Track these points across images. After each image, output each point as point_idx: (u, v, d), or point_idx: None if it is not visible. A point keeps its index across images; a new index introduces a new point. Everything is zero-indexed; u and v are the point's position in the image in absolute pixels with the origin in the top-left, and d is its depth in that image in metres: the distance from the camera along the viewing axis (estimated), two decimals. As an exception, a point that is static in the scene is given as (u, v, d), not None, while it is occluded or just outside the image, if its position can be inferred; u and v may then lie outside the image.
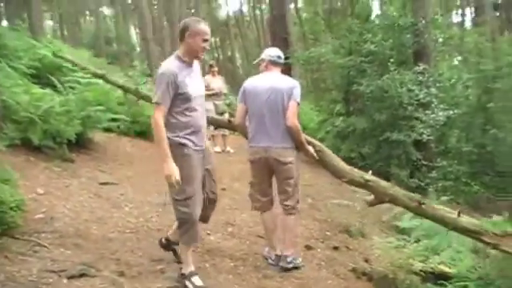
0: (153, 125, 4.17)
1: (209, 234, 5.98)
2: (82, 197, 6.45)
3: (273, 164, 5.08)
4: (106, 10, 47.53)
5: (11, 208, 4.53)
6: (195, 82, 4.37)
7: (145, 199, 7.05)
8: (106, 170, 8.38)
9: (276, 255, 5.21)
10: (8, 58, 10.33)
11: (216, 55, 57.26)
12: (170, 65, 4.27)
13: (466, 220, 4.76)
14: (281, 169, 5.08)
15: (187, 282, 4.36)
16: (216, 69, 12.63)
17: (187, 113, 4.28)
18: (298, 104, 5.08)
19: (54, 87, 9.83)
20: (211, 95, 11.75)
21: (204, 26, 4.31)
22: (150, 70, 23.79)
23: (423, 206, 4.74)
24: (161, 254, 4.95)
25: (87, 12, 48.18)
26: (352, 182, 5.26)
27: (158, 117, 4.14)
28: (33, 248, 4.50)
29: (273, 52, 5.41)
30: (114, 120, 9.87)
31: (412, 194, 4.96)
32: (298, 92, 5.07)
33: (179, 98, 4.21)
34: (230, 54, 54.78)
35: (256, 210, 5.40)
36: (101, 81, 10.89)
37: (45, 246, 4.58)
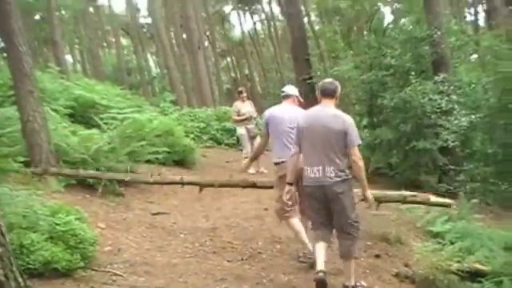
0: (359, 163, 5.14)
1: (260, 252, 6.52)
2: (140, 228, 7.04)
3: None
4: (123, 41, 48.39)
5: (91, 244, 5.13)
6: None
7: (195, 225, 7.63)
8: (154, 200, 8.98)
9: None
10: (47, 101, 10.81)
11: (233, 75, 57.93)
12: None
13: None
14: None
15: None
16: (245, 95, 13.03)
17: None
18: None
19: (91, 125, 10.45)
20: (243, 120, 12.49)
21: None
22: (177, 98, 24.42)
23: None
24: (222, 274, 5.52)
25: (105, 44, 49.11)
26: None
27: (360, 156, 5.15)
28: (111, 277, 5.08)
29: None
30: (154, 152, 10.42)
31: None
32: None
33: None
34: (247, 72, 55.32)
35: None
36: (136, 114, 11.15)
37: (120, 275, 5.16)
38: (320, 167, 5.14)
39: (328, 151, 5.13)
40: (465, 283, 5.78)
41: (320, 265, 5.10)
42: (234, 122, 13.96)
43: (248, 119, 12.63)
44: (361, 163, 5.15)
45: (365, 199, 5.46)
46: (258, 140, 12.27)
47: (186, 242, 6.72)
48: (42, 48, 34.00)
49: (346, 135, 5.09)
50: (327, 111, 5.28)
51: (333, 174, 5.11)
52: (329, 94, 5.37)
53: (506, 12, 26.64)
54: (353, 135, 5.13)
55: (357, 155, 5.11)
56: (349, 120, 5.21)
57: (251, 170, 12.37)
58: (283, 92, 6.50)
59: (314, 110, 5.41)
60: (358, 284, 5.32)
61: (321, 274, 5.03)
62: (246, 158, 12.50)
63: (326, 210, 5.27)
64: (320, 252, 5.20)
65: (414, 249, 6.62)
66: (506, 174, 12.64)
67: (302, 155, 5.39)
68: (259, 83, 54.05)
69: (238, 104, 12.88)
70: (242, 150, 14.82)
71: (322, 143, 5.15)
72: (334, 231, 5.35)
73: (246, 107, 12.80)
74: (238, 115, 12.63)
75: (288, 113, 6.13)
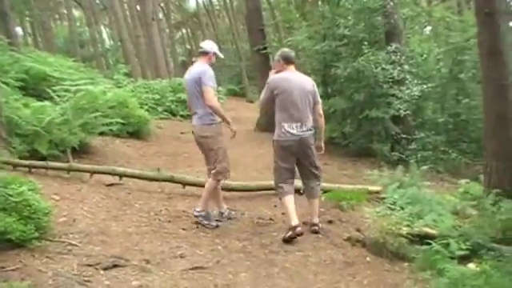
0: (323, 117, 6.70)
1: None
2: (94, 199, 7.01)
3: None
4: (75, 12, 47.39)
5: (45, 214, 5.11)
6: None
7: (150, 195, 7.66)
8: (108, 172, 8.93)
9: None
10: (-2, 74, 10.61)
11: (189, 47, 57.41)
12: None
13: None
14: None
15: None
16: None
17: None
18: (212, 87, 6.28)
19: (43, 97, 10.29)
20: None
21: None
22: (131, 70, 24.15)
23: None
24: (177, 241, 5.60)
25: (57, 16, 47.98)
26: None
27: None
28: (66, 247, 5.07)
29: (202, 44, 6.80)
30: (108, 124, 10.35)
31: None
32: (205, 77, 6.24)
33: None
34: (202, 44, 54.76)
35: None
36: (89, 86, 11.07)
37: (76, 245, 5.16)
38: (299, 123, 6.06)
39: (305, 109, 6.12)
40: (414, 246, 5.96)
41: (296, 219, 5.93)
42: None
43: None
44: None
45: (319, 148, 6.63)
46: None
47: (141, 212, 6.75)
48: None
49: (314, 94, 6.29)
50: (298, 75, 6.34)
51: (308, 128, 6.17)
52: (291, 61, 6.35)
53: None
54: (317, 94, 6.40)
55: (321, 110, 6.44)
56: (313, 81, 6.47)
57: None
58: (200, 48, 6.73)
59: (287, 75, 6.23)
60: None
61: (299, 229, 5.89)
62: None
63: (293, 163, 6.26)
64: (292, 206, 6.04)
65: (365, 214, 6.78)
66: (455, 143, 13.00)
67: (278, 113, 6.17)
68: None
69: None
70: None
71: (300, 102, 6.08)
72: (299, 180, 6.47)
73: None
74: None
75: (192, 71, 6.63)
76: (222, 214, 6.78)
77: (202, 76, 6.22)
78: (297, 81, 6.18)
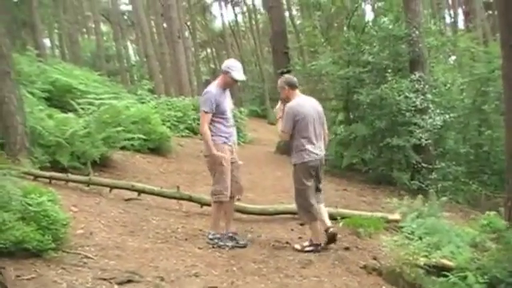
0: None
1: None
2: (112, 213, 7.07)
3: None
4: (103, 27, 47.94)
5: (63, 225, 5.14)
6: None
7: (168, 212, 7.69)
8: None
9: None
10: (24, 84, 10.80)
11: (213, 66, 57.80)
12: None
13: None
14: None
15: None
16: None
17: None
18: (205, 112, 6.30)
19: (67, 109, 10.41)
20: None
21: None
22: (155, 87, 24.33)
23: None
24: (193, 260, 5.58)
25: (84, 29, 48.57)
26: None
27: None
28: (82, 260, 5.10)
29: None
30: (130, 139, 10.43)
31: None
32: (201, 101, 6.46)
33: None
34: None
35: None
36: (113, 101, 11.12)
37: (91, 258, 5.18)
38: (320, 144, 6.50)
39: (321, 130, 6.54)
40: (430, 277, 5.89)
41: (328, 222, 6.66)
42: None
43: None
44: None
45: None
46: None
47: (158, 228, 6.77)
48: (20, 31, 33.53)
49: (323, 114, 6.65)
50: (307, 98, 6.74)
51: (323, 148, 6.60)
52: (296, 85, 6.62)
53: (484, 15, 27.00)
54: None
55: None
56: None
57: None
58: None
59: (300, 100, 6.53)
60: None
61: (334, 229, 6.58)
62: None
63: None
64: (325, 213, 6.70)
65: (382, 243, 6.72)
66: (476, 174, 12.87)
67: (299, 138, 6.38)
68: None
69: None
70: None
71: (318, 125, 6.48)
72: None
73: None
74: None
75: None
76: (232, 236, 6.59)
77: (200, 99, 6.49)
78: (310, 104, 6.55)
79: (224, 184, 6.39)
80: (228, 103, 6.55)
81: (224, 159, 6.35)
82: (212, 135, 6.33)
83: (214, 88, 6.38)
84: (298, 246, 6.54)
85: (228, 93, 6.62)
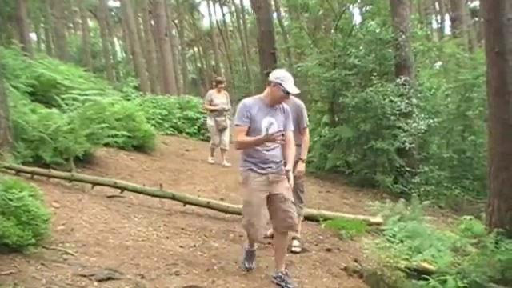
0: None
1: (213, 240, 6.60)
2: (94, 209, 7.00)
3: None
4: (90, 23, 47.75)
5: (43, 221, 5.10)
6: None
7: (150, 210, 7.64)
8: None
9: None
10: (8, 78, 10.67)
11: (199, 65, 57.79)
12: None
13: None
14: None
15: None
16: (223, 85, 12.76)
17: None
18: (237, 125, 5.26)
19: (51, 105, 10.33)
20: (214, 110, 12.40)
21: None
22: (140, 84, 24.24)
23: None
24: (174, 259, 5.56)
25: (71, 25, 48.31)
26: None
27: None
28: (62, 256, 5.06)
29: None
30: (113, 136, 10.36)
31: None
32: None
33: None
34: (213, 63, 55.23)
35: None
36: (98, 97, 10.98)
37: (72, 254, 5.14)
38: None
39: None
40: (411, 280, 5.93)
41: None
42: (204, 109, 13.87)
43: (219, 111, 12.42)
44: None
45: None
46: (226, 133, 12.35)
47: (140, 226, 6.72)
48: (6, 24, 33.25)
49: None
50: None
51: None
52: None
53: (471, 22, 27.20)
54: None
55: None
56: None
57: (211, 160, 12.45)
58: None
59: None
60: None
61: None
62: (212, 148, 12.54)
63: None
64: None
65: (364, 245, 6.75)
66: (459, 179, 12.96)
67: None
68: (225, 75, 53.98)
69: (212, 93, 12.64)
70: (203, 139, 14.92)
71: None
72: None
73: (221, 98, 12.53)
74: (210, 104, 12.50)
75: None
76: (279, 276, 5.36)
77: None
78: None
79: (248, 218, 5.36)
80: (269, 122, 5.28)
81: (249, 192, 5.34)
82: (241, 157, 5.44)
83: (247, 100, 5.41)
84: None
85: (278, 112, 5.36)
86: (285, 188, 5.28)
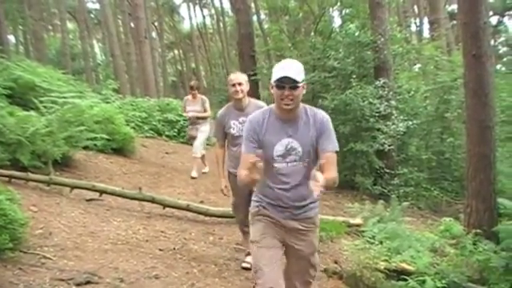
0: None
1: (193, 243, 6.58)
2: (73, 213, 6.96)
3: None
4: (69, 25, 47.41)
5: (21, 225, 5.06)
6: None
7: (129, 213, 7.60)
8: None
9: None
10: (-16, 80, 10.50)
11: (179, 67, 57.67)
12: None
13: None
14: None
15: None
16: (196, 91, 11.25)
17: None
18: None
19: (30, 107, 10.22)
20: (190, 118, 11.32)
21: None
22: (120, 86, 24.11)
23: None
24: (153, 262, 5.55)
25: (50, 27, 47.94)
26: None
27: None
28: (40, 260, 5.03)
29: None
30: (92, 139, 10.28)
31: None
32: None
33: None
34: (193, 66, 55.13)
35: None
36: (77, 100, 10.77)
37: (50, 258, 5.11)
38: None
39: None
40: (390, 281, 5.97)
41: None
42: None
43: (191, 119, 11.23)
44: None
45: None
46: (197, 141, 11.26)
47: (119, 229, 6.70)
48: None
49: None
50: None
51: None
52: None
53: (449, 25, 27.47)
54: None
55: None
56: None
57: (194, 173, 11.52)
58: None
59: None
60: None
61: None
62: (194, 157, 11.40)
63: None
64: None
65: (344, 247, 6.78)
66: (437, 181, 13.08)
67: None
68: (205, 78, 53.88)
69: (187, 99, 11.45)
70: (183, 142, 14.77)
71: None
72: None
73: (194, 106, 11.23)
74: (185, 111, 11.48)
75: None
76: None
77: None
78: None
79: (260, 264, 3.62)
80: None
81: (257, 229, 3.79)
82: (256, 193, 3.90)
83: (260, 115, 3.71)
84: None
85: (301, 126, 3.68)
86: (308, 244, 3.85)
